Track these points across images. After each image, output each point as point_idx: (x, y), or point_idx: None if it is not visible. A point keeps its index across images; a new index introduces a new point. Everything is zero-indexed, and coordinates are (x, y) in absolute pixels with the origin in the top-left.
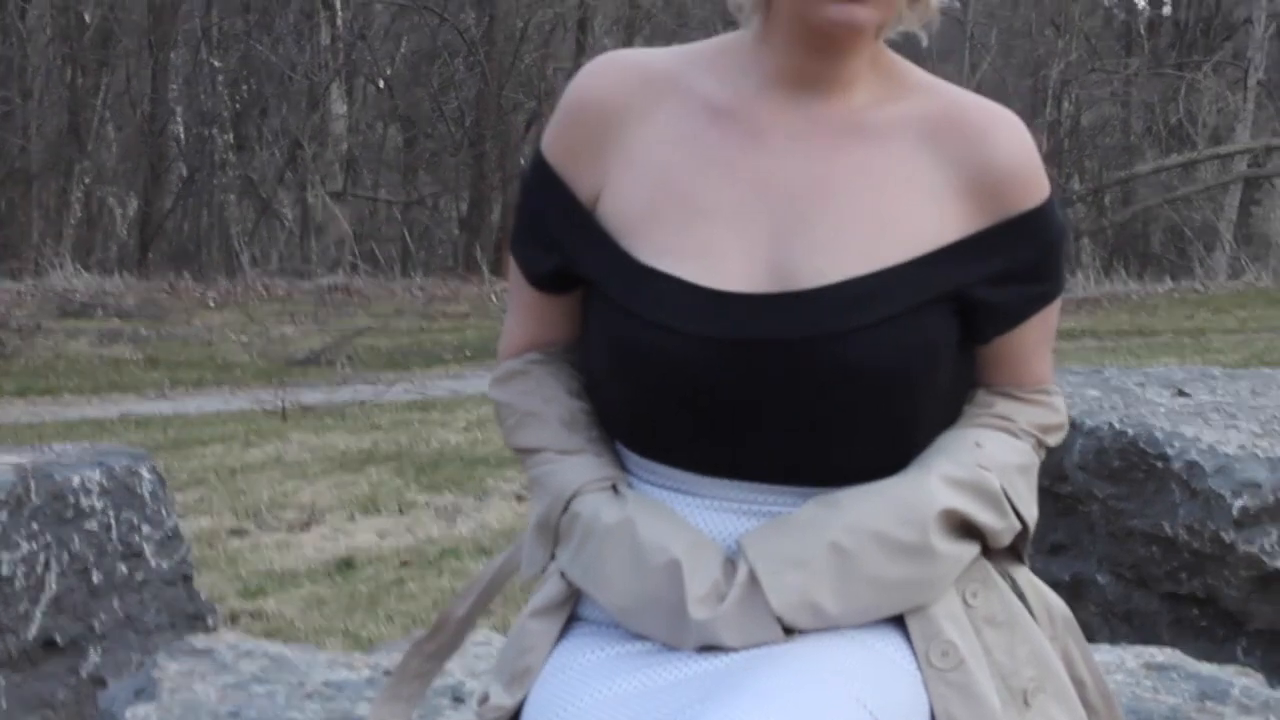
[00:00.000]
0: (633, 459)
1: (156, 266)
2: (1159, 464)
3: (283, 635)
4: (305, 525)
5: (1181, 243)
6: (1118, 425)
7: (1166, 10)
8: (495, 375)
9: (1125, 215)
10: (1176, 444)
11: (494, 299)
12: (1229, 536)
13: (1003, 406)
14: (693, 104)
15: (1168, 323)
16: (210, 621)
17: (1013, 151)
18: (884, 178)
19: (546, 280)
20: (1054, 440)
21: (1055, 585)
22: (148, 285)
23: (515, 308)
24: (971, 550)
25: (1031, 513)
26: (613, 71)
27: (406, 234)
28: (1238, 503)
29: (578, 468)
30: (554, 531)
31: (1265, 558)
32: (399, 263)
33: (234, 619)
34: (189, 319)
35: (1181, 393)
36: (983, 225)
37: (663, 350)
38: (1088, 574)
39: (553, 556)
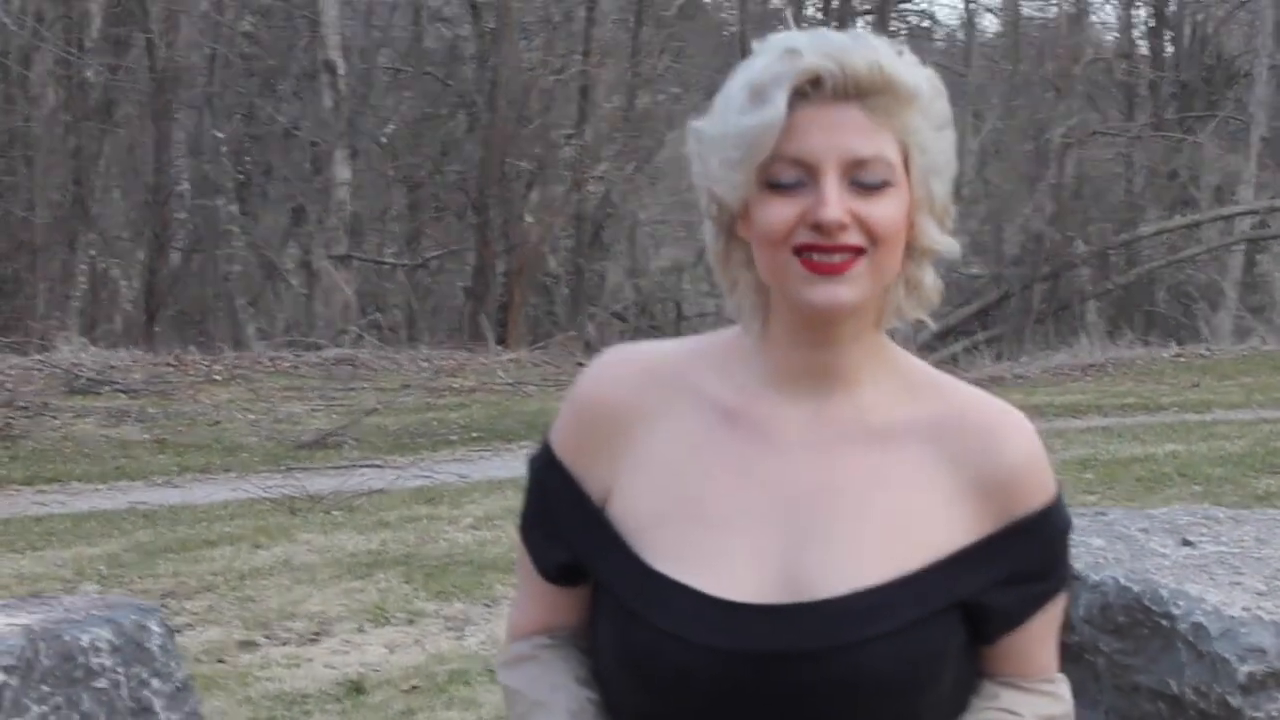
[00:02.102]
0: None
1: (163, 337)
2: (1164, 622)
3: None
4: (315, 637)
5: (1186, 302)
6: (1123, 580)
7: (1168, 55)
8: (504, 659)
9: (1130, 277)
10: (1182, 603)
11: (500, 372)
12: (1236, 701)
13: (1007, 698)
14: (702, 405)
15: (1173, 393)
16: None
17: (1020, 453)
18: (894, 484)
19: (555, 573)
20: None
21: None
22: (154, 359)
23: (524, 591)
24: None
25: None
26: (620, 370)
27: (412, 299)
28: (1244, 668)
29: None
30: None
31: None
32: (405, 328)
33: None
34: (196, 395)
35: (1186, 542)
36: (991, 529)
37: (671, 658)
38: None
39: None
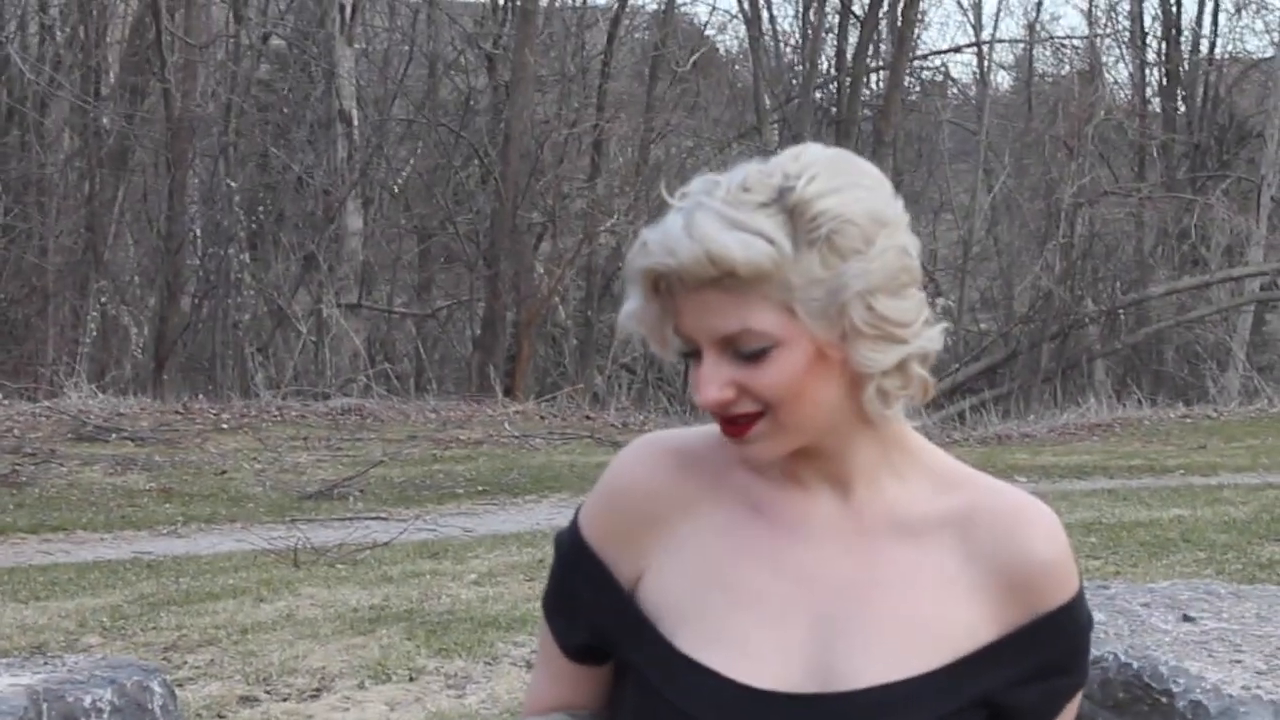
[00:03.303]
0: None
1: (171, 384)
2: (1164, 699)
3: None
4: (315, 693)
5: (1195, 362)
6: (1123, 657)
7: (1180, 114)
8: None
9: (1138, 336)
10: (1182, 681)
11: (507, 425)
12: None
13: None
14: (733, 496)
15: (1179, 455)
16: None
17: (1045, 548)
18: (921, 579)
19: (576, 652)
20: None
21: None
22: (162, 407)
23: (544, 667)
24: None
25: None
26: (652, 458)
27: (421, 349)
28: None
29: None
30: None
31: None
32: (413, 377)
33: None
34: (203, 443)
35: (1187, 618)
36: (1016, 624)
37: None
38: None
39: None
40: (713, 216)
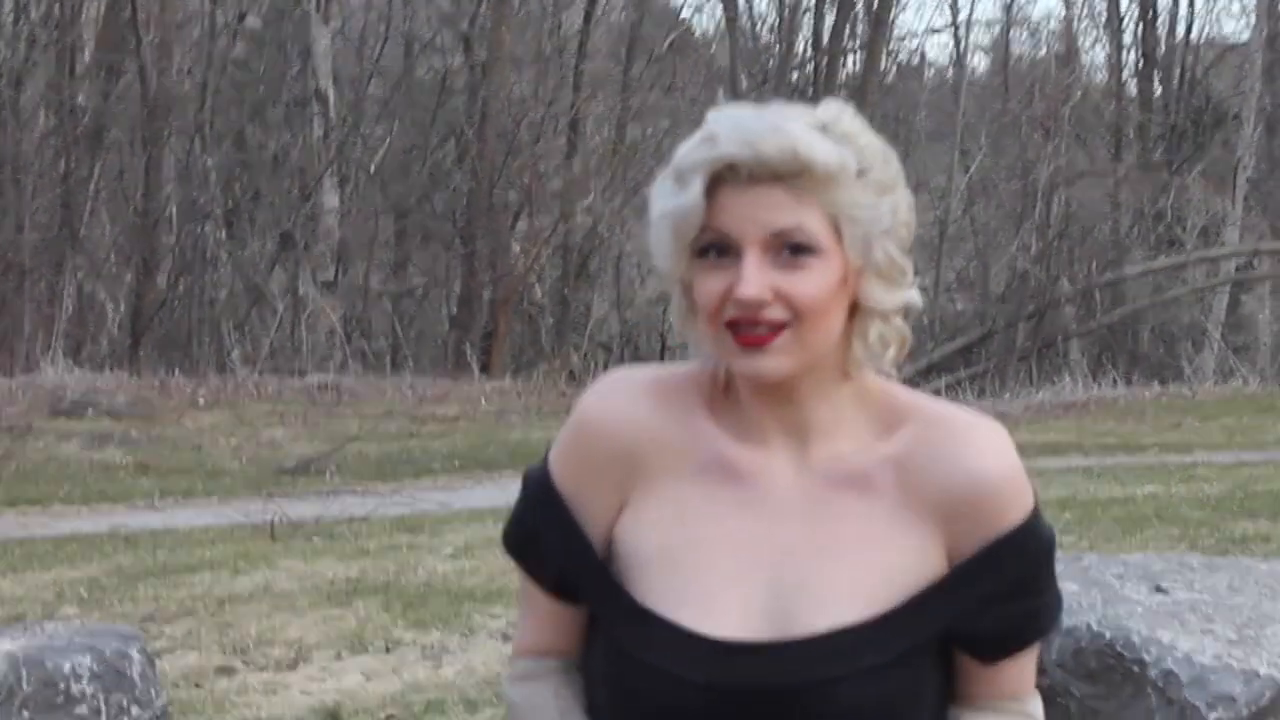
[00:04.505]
0: None
1: (147, 360)
2: (1135, 669)
3: None
4: (292, 664)
5: (1170, 342)
6: (1095, 626)
7: (1157, 96)
8: (513, 673)
9: (1114, 316)
10: (1154, 650)
11: (483, 401)
12: None
13: None
14: (699, 442)
15: (1154, 434)
16: None
17: (989, 463)
18: (874, 523)
19: (552, 587)
20: None
21: None
22: (138, 383)
23: (528, 608)
24: None
25: None
26: (627, 390)
27: (397, 325)
28: (1213, 715)
29: None
30: None
31: None
32: (389, 355)
33: None
34: (179, 419)
35: (1160, 589)
36: (970, 551)
37: (657, 694)
38: None
39: None
40: (794, 118)
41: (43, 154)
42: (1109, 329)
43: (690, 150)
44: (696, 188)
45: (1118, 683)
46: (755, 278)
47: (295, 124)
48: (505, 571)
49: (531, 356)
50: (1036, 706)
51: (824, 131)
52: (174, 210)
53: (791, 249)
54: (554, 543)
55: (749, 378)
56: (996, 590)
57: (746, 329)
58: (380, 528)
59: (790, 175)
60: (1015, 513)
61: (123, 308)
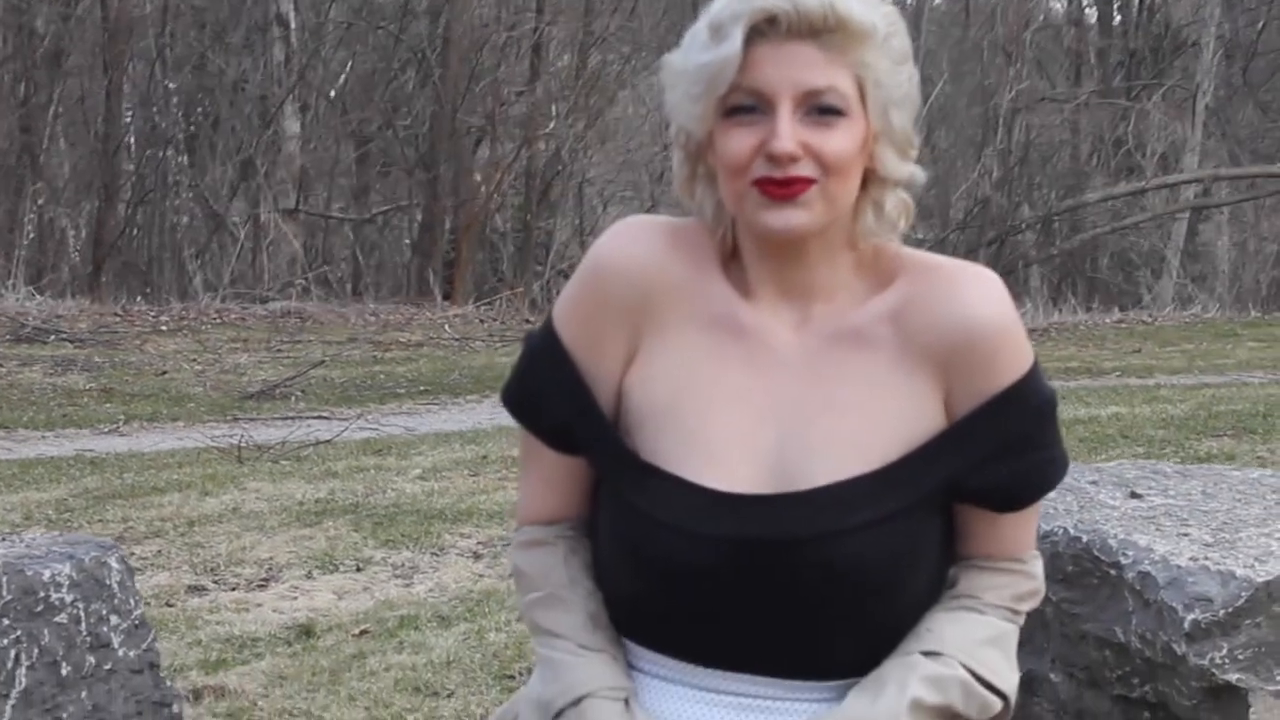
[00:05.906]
0: (630, 646)
1: (109, 287)
2: (1112, 572)
3: (247, 717)
4: (263, 583)
5: (1129, 269)
6: (1072, 531)
7: (1116, 23)
8: (519, 539)
9: (1074, 243)
10: (1130, 553)
11: (446, 328)
12: (1180, 649)
13: (967, 583)
14: (708, 302)
15: (1115, 358)
16: (176, 708)
17: (984, 307)
18: (873, 380)
19: (553, 437)
20: (1029, 605)
21: None
22: (100, 309)
23: (531, 473)
24: None
25: (1008, 682)
26: (643, 234)
27: (359, 253)
28: (1189, 616)
29: (595, 668)
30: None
31: (1215, 670)
32: (351, 282)
33: (197, 696)
34: (142, 345)
35: (1134, 494)
36: (970, 404)
37: (667, 549)
38: (1041, 671)
39: None
40: None
41: (1, 79)
42: (1069, 255)
43: (729, 3)
44: (736, 39)
45: (1094, 586)
46: (787, 133)
47: (256, 48)
48: (474, 492)
49: (494, 283)
50: (1037, 566)
51: None
52: (134, 136)
53: (820, 109)
54: (559, 399)
55: (776, 231)
56: (1000, 444)
57: (776, 184)
58: (347, 451)
59: (825, 31)
60: (1014, 367)
61: (84, 234)
